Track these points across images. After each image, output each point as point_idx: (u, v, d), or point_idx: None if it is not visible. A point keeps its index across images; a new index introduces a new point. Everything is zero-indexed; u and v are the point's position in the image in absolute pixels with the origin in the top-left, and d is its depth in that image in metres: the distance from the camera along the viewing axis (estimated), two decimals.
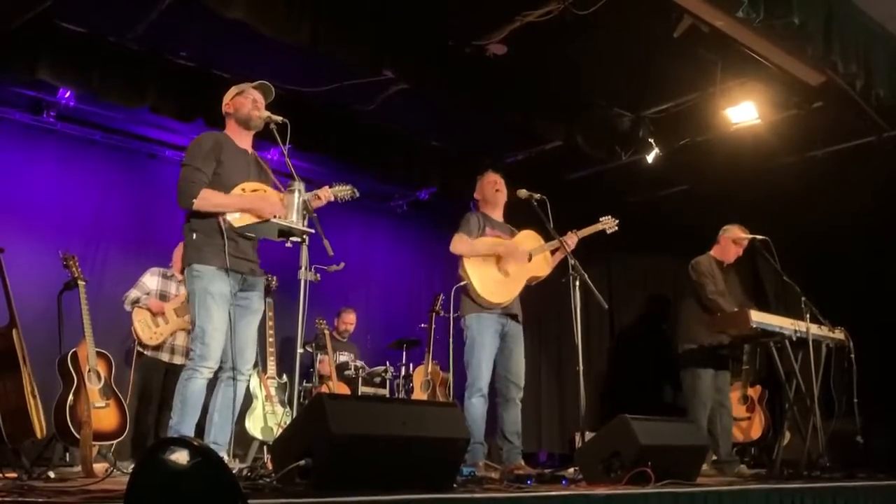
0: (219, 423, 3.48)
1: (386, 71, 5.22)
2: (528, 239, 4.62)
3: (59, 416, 4.48)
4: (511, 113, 5.83)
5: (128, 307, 5.34)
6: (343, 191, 3.86)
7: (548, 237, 4.54)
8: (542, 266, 4.59)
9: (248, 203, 3.48)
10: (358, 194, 3.90)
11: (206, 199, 3.43)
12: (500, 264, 4.46)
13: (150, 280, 5.46)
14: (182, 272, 3.58)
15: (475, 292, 4.38)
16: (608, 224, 4.77)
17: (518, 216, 4.72)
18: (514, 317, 4.51)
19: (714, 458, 5.07)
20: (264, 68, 4.82)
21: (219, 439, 3.48)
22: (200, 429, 3.52)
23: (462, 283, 4.46)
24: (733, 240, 5.35)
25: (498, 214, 4.71)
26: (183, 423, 3.34)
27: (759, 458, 6.40)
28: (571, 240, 4.51)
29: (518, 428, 4.39)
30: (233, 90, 3.72)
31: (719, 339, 5.11)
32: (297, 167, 3.63)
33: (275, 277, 5.81)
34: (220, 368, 3.52)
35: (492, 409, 4.40)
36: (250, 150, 3.74)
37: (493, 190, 4.68)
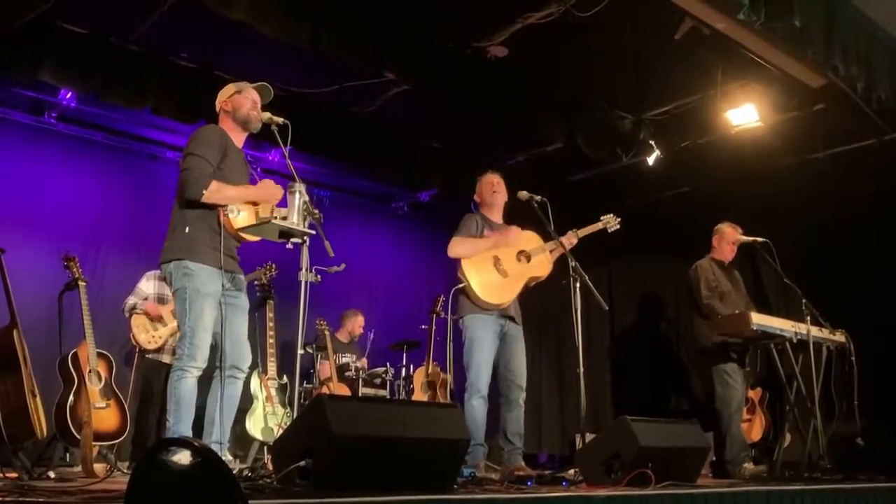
0: (219, 423, 3.47)
1: (387, 72, 5.22)
2: (528, 240, 4.60)
3: (60, 417, 4.48)
4: (512, 115, 5.83)
5: (127, 314, 5.34)
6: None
7: (549, 239, 4.52)
8: (543, 266, 4.56)
9: (254, 194, 3.49)
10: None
11: (217, 192, 3.36)
12: (499, 265, 4.45)
13: (147, 285, 5.45)
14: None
15: (474, 294, 4.36)
16: (610, 222, 4.72)
17: (519, 218, 4.71)
18: (511, 318, 4.49)
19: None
20: (265, 69, 4.83)
21: (219, 439, 3.47)
22: (198, 428, 3.52)
23: (461, 285, 4.43)
24: (728, 241, 5.35)
25: (497, 216, 4.69)
26: (180, 423, 3.33)
27: (759, 460, 6.39)
28: (571, 240, 4.50)
29: (520, 429, 4.38)
30: (230, 88, 3.69)
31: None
32: (297, 168, 3.63)
33: (274, 265, 5.80)
34: (218, 367, 3.52)
35: (494, 409, 4.39)
36: (241, 149, 3.74)
37: (491, 191, 4.66)
